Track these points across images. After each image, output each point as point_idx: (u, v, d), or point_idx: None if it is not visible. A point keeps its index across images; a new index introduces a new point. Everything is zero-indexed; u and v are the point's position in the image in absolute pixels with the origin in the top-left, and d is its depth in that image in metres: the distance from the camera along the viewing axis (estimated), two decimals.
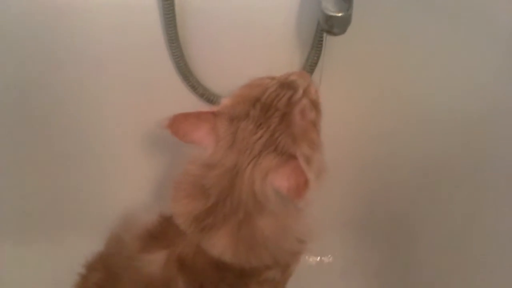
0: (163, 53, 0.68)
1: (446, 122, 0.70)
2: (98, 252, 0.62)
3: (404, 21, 0.68)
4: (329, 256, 0.85)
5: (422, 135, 0.74)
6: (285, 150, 0.48)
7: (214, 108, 0.52)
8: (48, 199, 0.80)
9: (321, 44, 0.67)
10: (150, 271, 0.53)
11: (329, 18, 0.58)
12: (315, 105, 0.53)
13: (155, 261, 0.54)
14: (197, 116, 0.51)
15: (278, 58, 0.71)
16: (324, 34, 0.65)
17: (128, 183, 0.80)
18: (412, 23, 0.68)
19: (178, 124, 0.50)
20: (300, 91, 0.52)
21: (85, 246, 0.61)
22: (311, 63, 0.70)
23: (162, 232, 0.57)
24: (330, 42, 0.66)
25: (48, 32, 0.65)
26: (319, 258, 0.85)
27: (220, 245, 0.51)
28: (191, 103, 0.72)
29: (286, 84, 0.52)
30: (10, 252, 0.80)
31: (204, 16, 0.67)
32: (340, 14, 0.57)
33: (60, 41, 0.66)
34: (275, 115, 0.49)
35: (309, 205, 0.54)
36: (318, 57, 0.69)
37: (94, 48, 0.67)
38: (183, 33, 0.67)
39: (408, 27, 0.68)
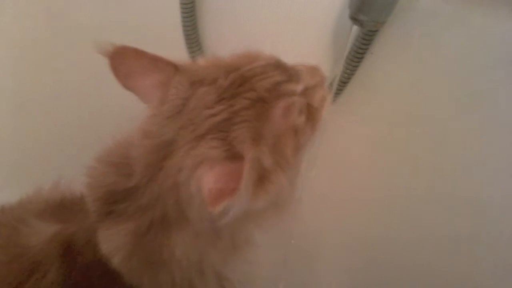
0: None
1: None
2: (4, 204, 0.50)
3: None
4: None
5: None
6: (236, 144, 0.34)
7: (178, 61, 0.39)
8: None
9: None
10: (28, 242, 0.40)
11: None
12: (311, 114, 0.39)
13: (41, 232, 0.41)
14: (153, 60, 0.38)
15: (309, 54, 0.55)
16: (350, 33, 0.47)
17: None
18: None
19: (123, 58, 0.37)
20: (300, 86, 0.38)
21: None
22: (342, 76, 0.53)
23: (73, 205, 0.45)
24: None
25: None
26: None
27: (113, 241, 0.37)
28: None
29: (283, 68, 0.39)
30: None
31: None
32: None
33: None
34: (247, 95, 0.36)
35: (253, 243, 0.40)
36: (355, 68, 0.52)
37: None
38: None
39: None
